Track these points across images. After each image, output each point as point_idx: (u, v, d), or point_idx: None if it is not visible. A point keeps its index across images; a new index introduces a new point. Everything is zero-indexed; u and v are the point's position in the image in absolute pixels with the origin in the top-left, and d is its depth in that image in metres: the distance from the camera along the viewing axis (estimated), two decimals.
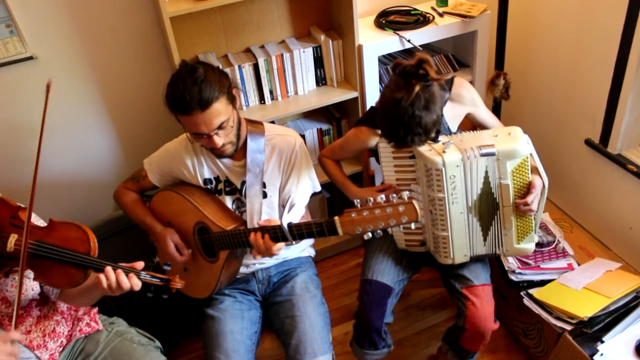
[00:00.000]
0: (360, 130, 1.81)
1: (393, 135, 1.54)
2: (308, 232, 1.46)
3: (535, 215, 1.72)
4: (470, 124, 1.89)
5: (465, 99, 1.76)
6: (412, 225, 1.34)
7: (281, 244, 1.52)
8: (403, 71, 1.49)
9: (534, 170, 1.69)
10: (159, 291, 1.50)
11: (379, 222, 1.33)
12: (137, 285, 1.42)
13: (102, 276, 1.39)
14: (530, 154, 1.66)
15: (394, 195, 1.34)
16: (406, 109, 1.46)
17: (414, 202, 1.31)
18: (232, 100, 1.57)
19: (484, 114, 1.84)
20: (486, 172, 1.64)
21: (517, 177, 1.66)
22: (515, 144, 1.62)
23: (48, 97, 1.38)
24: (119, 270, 1.40)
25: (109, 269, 1.39)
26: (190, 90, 1.47)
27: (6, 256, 1.38)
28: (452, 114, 1.77)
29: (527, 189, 1.67)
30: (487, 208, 1.70)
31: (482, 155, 1.61)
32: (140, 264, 1.45)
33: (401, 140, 1.53)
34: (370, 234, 1.36)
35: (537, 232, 1.79)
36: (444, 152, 1.60)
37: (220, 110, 1.52)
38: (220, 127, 1.54)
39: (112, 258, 1.43)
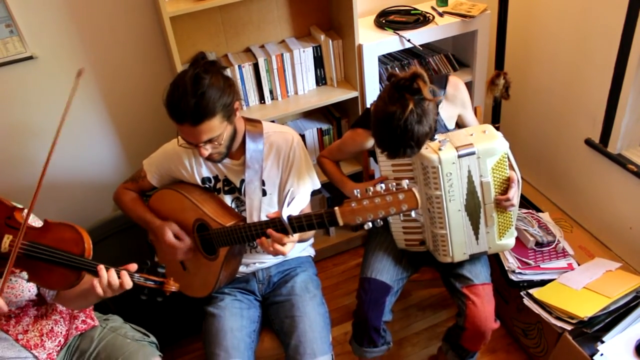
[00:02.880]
0: (356, 132, 1.82)
1: (385, 146, 1.55)
2: (308, 223, 1.45)
3: (513, 209, 1.75)
4: None
5: (457, 99, 1.77)
6: (413, 214, 1.34)
7: (290, 239, 1.49)
8: (397, 84, 1.50)
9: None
10: (153, 294, 1.47)
11: (380, 210, 1.33)
12: (129, 283, 1.39)
13: (95, 282, 1.37)
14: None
15: (394, 184, 1.34)
16: (399, 124, 1.46)
17: (414, 189, 1.31)
18: (229, 115, 1.54)
19: (470, 116, 1.86)
20: (469, 170, 1.65)
21: (496, 174, 1.68)
22: (494, 141, 1.64)
23: (78, 82, 1.36)
24: (111, 272, 1.37)
25: (101, 268, 1.37)
26: (187, 101, 1.44)
27: (0, 257, 1.38)
28: (447, 114, 1.78)
29: (506, 184, 1.69)
30: (474, 206, 1.71)
31: (462, 155, 1.62)
32: (133, 266, 1.43)
33: (393, 151, 1.53)
34: (370, 224, 1.36)
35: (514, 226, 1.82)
36: (439, 149, 1.61)
37: (212, 127, 1.50)
38: (209, 141, 1.54)
39: (112, 258, 1.43)
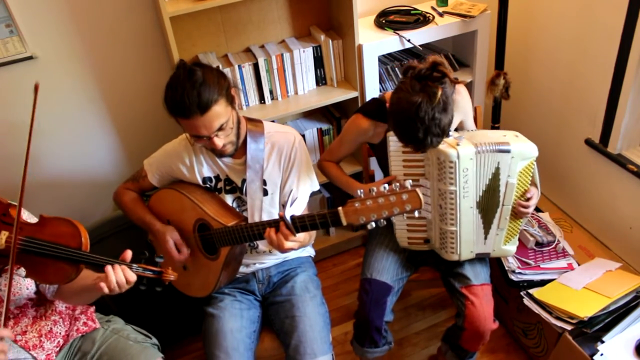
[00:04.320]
0: (359, 117, 1.82)
1: (411, 138, 1.54)
2: (311, 223, 1.45)
3: (523, 219, 1.78)
4: None
5: (460, 106, 1.78)
6: (416, 213, 1.34)
7: (294, 239, 1.50)
8: (418, 75, 1.50)
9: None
10: (152, 283, 1.49)
11: (383, 210, 1.34)
12: (132, 277, 1.42)
13: (102, 284, 1.38)
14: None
15: (397, 184, 1.35)
16: (427, 112, 1.46)
17: (417, 190, 1.32)
18: (231, 101, 1.57)
19: (470, 123, 1.87)
20: (497, 168, 1.66)
21: (521, 179, 1.69)
22: (528, 144, 1.66)
23: (36, 98, 1.35)
24: (117, 269, 1.39)
25: (109, 269, 1.38)
26: (189, 94, 1.46)
27: None
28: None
29: (524, 193, 1.71)
30: (491, 205, 1.72)
31: (498, 151, 1.63)
32: (128, 253, 1.44)
33: (420, 142, 1.52)
34: (373, 224, 1.37)
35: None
36: (457, 145, 1.62)
37: (219, 112, 1.52)
38: (220, 129, 1.55)
39: (112, 258, 1.43)
